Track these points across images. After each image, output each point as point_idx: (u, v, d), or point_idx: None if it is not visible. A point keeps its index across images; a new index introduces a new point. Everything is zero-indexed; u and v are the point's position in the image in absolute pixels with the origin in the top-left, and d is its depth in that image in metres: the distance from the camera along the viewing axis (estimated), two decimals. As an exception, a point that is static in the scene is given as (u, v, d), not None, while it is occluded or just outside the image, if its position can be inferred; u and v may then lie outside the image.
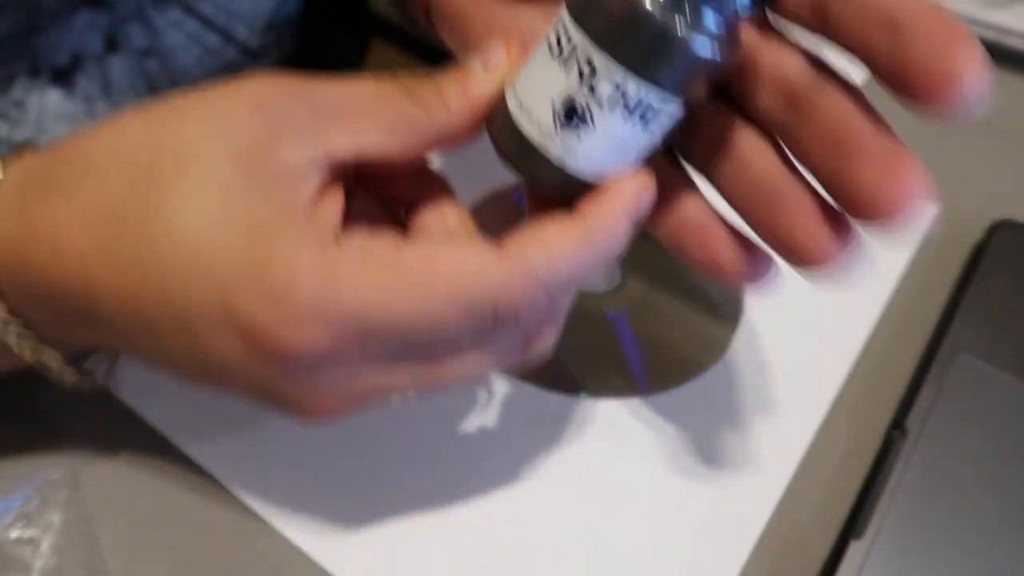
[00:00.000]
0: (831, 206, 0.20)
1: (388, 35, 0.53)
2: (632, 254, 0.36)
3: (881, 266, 0.36)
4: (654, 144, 0.21)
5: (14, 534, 0.26)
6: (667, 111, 0.20)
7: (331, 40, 0.51)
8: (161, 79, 0.39)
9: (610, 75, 0.19)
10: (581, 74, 0.19)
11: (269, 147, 0.20)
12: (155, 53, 0.38)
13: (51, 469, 0.27)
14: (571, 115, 0.20)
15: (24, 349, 0.23)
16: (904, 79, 0.18)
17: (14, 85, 0.34)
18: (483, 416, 0.30)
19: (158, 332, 0.21)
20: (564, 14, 0.20)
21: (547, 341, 0.24)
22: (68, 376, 0.25)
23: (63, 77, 0.36)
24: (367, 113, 0.21)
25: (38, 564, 0.25)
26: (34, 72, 0.35)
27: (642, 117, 0.20)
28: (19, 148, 0.24)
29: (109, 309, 0.21)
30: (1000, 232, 0.37)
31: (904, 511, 0.27)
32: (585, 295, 0.34)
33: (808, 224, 0.20)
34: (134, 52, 0.37)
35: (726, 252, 0.22)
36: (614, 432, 0.30)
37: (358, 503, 0.28)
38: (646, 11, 0.18)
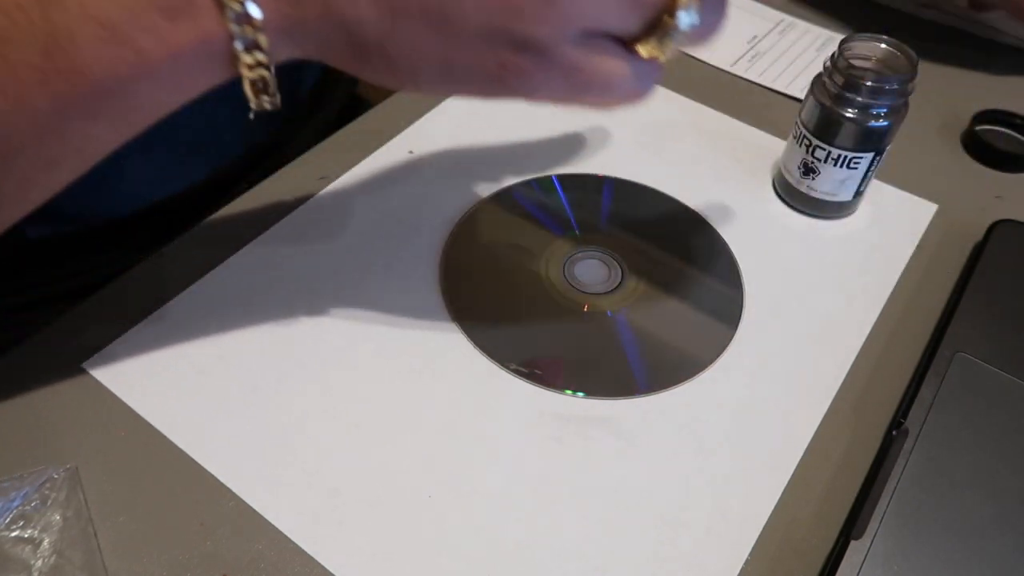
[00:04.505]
0: None
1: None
2: (632, 254, 0.36)
3: (881, 266, 0.36)
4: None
5: (14, 533, 0.26)
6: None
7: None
8: None
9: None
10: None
11: None
12: None
13: (51, 469, 0.27)
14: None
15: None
16: None
17: None
18: (484, 416, 0.30)
19: None
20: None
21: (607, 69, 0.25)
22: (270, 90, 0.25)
23: None
24: None
25: (38, 563, 0.25)
26: None
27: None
28: None
29: None
30: (1000, 232, 0.37)
31: (903, 511, 0.27)
32: (585, 295, 0.34)
33: None
34: None
35: None
36: (614, 431, 0.30)
37: (359, 503, 0.28)
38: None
